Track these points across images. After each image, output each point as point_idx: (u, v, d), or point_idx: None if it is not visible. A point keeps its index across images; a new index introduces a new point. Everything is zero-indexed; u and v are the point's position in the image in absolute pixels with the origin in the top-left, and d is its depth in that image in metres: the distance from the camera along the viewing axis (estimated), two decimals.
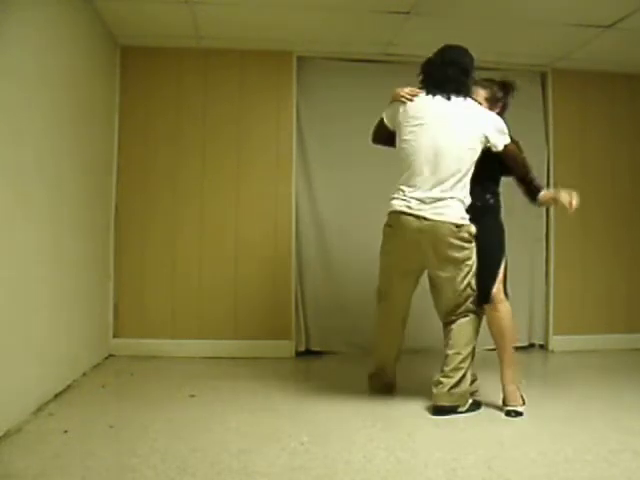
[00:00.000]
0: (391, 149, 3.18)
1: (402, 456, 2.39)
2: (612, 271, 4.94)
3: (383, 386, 3.35)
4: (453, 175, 2.93)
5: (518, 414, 2.95)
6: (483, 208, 3.09)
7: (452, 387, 2.96)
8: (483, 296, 3.09)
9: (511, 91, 3.29)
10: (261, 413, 2.98)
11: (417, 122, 2.99)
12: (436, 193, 2.92)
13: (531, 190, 3.17)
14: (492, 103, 3.21)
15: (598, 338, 4.84)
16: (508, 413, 2.97)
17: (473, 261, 3.03)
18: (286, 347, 4.51)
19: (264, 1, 3.79)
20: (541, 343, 4.93)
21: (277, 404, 3.17)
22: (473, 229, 2.98)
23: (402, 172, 3.03)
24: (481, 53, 4.56)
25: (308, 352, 4.59)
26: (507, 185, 4.90)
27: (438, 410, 2.95)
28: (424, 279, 3.23)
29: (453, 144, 2.94)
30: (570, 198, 3.07)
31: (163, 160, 4.52)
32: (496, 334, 3.13)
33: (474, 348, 3.10)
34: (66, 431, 2.60)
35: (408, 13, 3.90)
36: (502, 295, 3.12)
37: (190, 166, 4.53)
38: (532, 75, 4.95)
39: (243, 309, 4.51)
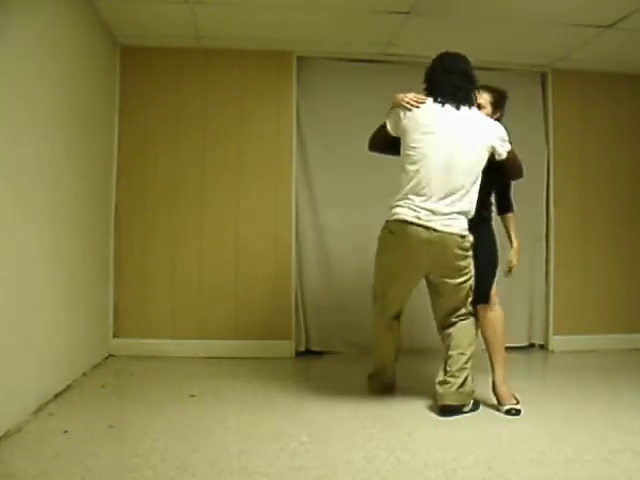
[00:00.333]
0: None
1: (402, 456, 2.39)
2: (612, 271, 4.94)
3: (383, 386, 3.35)
4: (463, 187, 2.92)
5: (518, 412, 2.96)
6: (479, 219, 3.11)
7: (459, 387, 2.96)
8: (482, 297, 3.14)
9: (506, 100, 3.34)
10: (261, 413, 2.98)
11: (427, 130, 2.93)
12: (446, 205, 2.89)
13: (504, 205, 3.39)
14: (495, 108, 3.26)
15: (598, 338, 4.84)
16: (508, 412, 2.98)
17: (472, 268, 3.06)
18: (286, 347, 4.51)
19: (264, 1, 3.79)
20: (541, 343, 4.93)
21: (277, 404, 3.17)
22: (472, 239, 3.01)
23: (408, 180, 2.95)
24: (481, 53, 4.60)
25: (308, 352, 4.59)
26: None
27: (445, 409, 2.94)
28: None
29: (464, 156, 2.92)
30: (515, 261, 3.36)
31: (163, 160, 4.51)
32: (491, 335, 3.16)
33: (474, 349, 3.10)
34: (66, 431, 2.60)
35: (408, 13, 3.90)
36: (496, 297, 3.20)
37: (190, 166, 4.53)
38: (532, 75, 4.96)
39: (243, 309, 4.51)
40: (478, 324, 3.18)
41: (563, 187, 4.91)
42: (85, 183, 3.76)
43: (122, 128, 4.48)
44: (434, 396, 3.05)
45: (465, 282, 3.03)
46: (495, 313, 3.17)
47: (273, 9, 3.90)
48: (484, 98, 3.20)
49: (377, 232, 3.19)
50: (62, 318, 3.33)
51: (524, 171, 3.23)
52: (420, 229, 2.89)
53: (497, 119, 3.21)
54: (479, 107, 3.15)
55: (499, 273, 3.29)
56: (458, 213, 2.92)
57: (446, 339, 3.11)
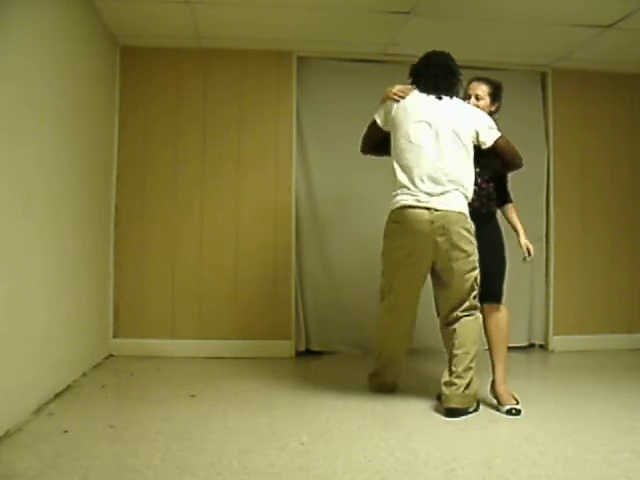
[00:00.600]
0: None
1: (402, 456, 2.39)
2: (612, 271, 4.94)
3: (384, 386, 3.35)
4: (455, 169, 3.00)
5: (518, 412, 2.96)
6: (488, 214, 3.23)
7: (465, 388, 2.95)
8: (492, 295, 3.15)
9: (502, 91, 3.37)
10: (261, 413, 2.98)
11: (416, 118, 3.04)
12: (442, 187, 2.97)
13: (502, 197, 3.38)
14: (493, 99, 3.29)
15: (598, 338, 4.84)
16: (509, 412, 2.97)
17: (477, 258, 3.05)
18: (286, 347, 4.51)
19: (264, 1, 3.79)
20: (541, 343, 4.93)
21: (277, 404, 3.17)
22: (472, 224, 3.03)
23: (402, 168, 3.04)
24: (481, 53, 4.61)
25: (308, 352, 4.59)
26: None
27: (451, 412, 2.93)
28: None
29: (452, 139, 3.02)
30: (529, 245, 3.35)
31: (163, 160, 4.51)
32: (495, 334, 3.16)
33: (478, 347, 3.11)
34: (66, 431, 2.60)
35: (408, 13, 3.90)
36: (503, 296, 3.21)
37: (190, 166, 4.53)
38: (532, 75, 4.96)
39: (243, 309, 4.51)
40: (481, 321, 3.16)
41: (563, 187, 4.91)
42: (85, 183, 3.76)
43: (122, 128, 4.48)
44: (439, 397, 3.04)
45: (470, 272, 3.02)
46: (502, 312, 3.18)
47: (273, 9, 3.90)
48: (482, 90, 3.26)
49: (378, 231, 3.20)
50: (62, 318, 3.32)
51: (522, 161, 3.24)
52: (421, 210, 2.97)
53: (495, 110, 3.28)
54: (477, 98, 3.23)
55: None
56: (456, 191, 2.99)
57: (450, 337, 3.08)
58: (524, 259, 3.37)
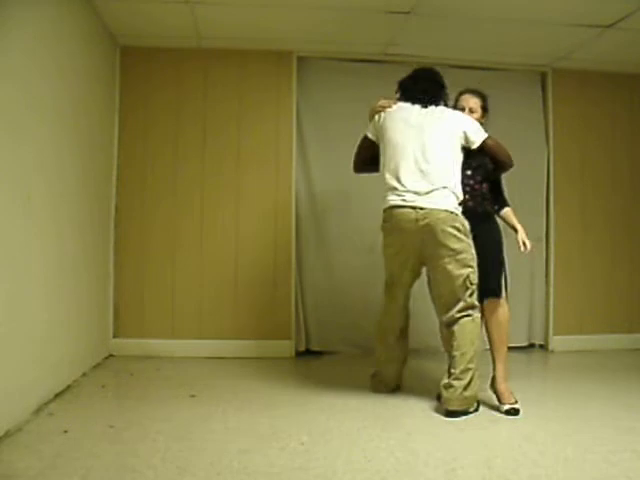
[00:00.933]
0: None
1: (402, 456, 2.39)
2: (612, 271, 4.94)
3: (384, 386, 3.36)
4: (441, 170, 3.08)
5: (517, 412, 2.97)
6: (483, 214, 3.27)
7: (464, 389, 2.95)
8: (491, 290, 3.17)
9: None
10: (261, 413, 2.98)
11: (401, 123, 3.17)
12: (428, 186, 3.05)
13: (500, 201, 3.42)
14: (484, 111, 3.39)
15: (598, 338, 4.84)
16: (508, 412, 2.98)
17: (472, 256, 3.06)
18: (286, 347, 4.51)
19: (264, 1, 3.79)
20: (541, 343, 4.93)
21: (277, 404, 3.17)
22: (467, 223, 3.06)
23: (389, 170, 3.14)
24: (481, 53, 4.62)
25: (308, 352, 4.59)
26: (507, 186, 4.91)
27: (450, 414, 2.94)
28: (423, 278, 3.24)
29: (438, 142, 3.11)
30: (525, 240, 3.34)
31: (163, 160, 4.51)
32: (496, 331, 3.17)
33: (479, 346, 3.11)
34: (66, 431, 2.60)
35: (408, 13, 3.90)
36: (504, 293, 3.20)
37: (190, 166, 4.53)
38: (532, 75, 4.96)
39: (243, 309, 4.51)
40: (482, 320, 3.16)
41: (563, 187, 4.91)
42: (85, 182, 3.76)
43: (122, 127, 4.48)
44: (440, 397, 3.05)
45: (461, 269, 3.02)
46: (502, 308, 3.19)
47: (273, 9, 3.90)
48: (475, 102, 3.34)
49: (378, 231, 3.24)
50: (62, 318, 3.33)
51: (512, 160, 3.30)
52: (407, 210, 3.06)
53: (485, 121, 3.37)
54: (471, 111, 3.31)
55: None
56: (443, 189, 3.04)
57: (449, 339, 3.09)
58: (523, 249, 3.35)
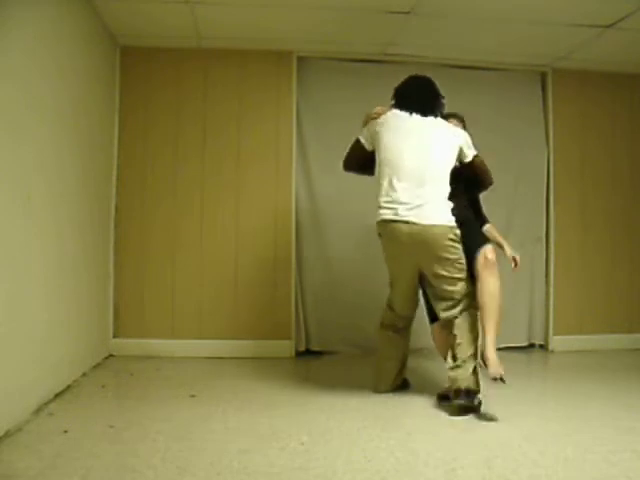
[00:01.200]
0: None
1: (402, 456, 2.39)
2: (612, 271, 4.94)
3: (384, 385, 3.35)
4: (435, 182, 3.06)
5: (503, 380, 2.91)
6: (462, 218, 3.22)
7: (473, 371, 2.98)
8: (475, 250, 3.17)
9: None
10: (261, 413, 2.98)
11: (398, 132, 3.13)
12: (421, 198, 3.03)
13: (480, 220, 3.49)
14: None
15: (598, 338, 4.84)
16: (495, 379, 2.91)
17: (464, 263, 3.11)
18: (286, 347, 4.51)
19: (264, 1, 3.79)
20: (541, 343, 4.93)
21: (277, 404, 3.17)
22: (458, 231, 3.09)
23: (384, 180, 3.11)
24: (481, 53, 4.62)
25: (308, 352, 4.59)
26: (508, 186, 4.92)
27: (461, 394, 2.91)
28: None
29: (434, 154, 3.09)
30: (514, 254, 3.44)
31: (163, 160, 4.52)
32: (487, 300, 3.08)
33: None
34: (66, 431, 2.60)
35: (408, 13, 3.90)
36: (496, 265, 3.19)
37: (190, 167, 4.53)
38: (532, 75, 4.96)
39: (243, 309, 4.51)
40: (478, 314, 3.16)
41: (563, 187, 4.91)
42: (85, 182, 3.76)
43: (122, 128, 4.48)
44: (440, 397, 3.07)
45: (455, 273, 3.07)
46: (495, 279, 3.12)
47: (273, 9, 3.90)
48: (455, 124, 3.39)
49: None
50: (62, 318, 3.32)
51: (492, 179, 3.34)
52: (400, 225, 3.04)
53: None
54: None
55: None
56: (437, 202, 3.04)
57: (451, 329, 3.12)
58: (513, 268, 3.46)
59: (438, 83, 3.29)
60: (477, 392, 2.96)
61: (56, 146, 3.21)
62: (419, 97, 3.21)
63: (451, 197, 3.13)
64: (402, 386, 3.39)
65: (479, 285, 3.14)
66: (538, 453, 2.43)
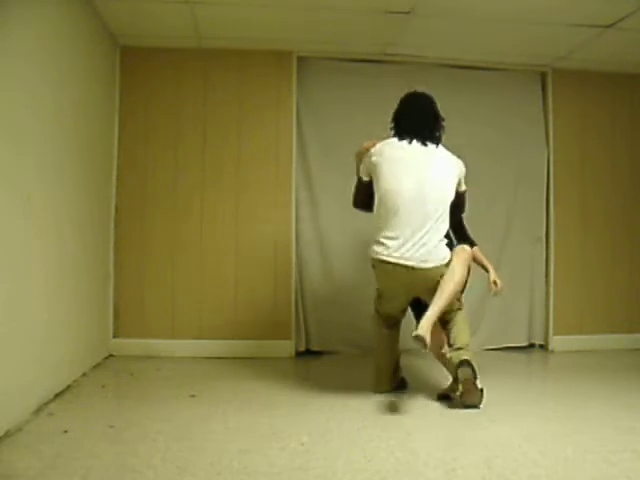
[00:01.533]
0: None
1: (402, 456, 2.39)
2: (612, 271, 4.94)
3: (384, 384, 3.35)
4: (437, 216, 3.02)
5: (425, 346, 2.81)
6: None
7: (472, 356, 3.00)
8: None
9: None
10: (261, 413, 2.98)
11: (396, 163, 3.04)
12: (421, 237, 2.98)
13: (465, 239, 3.43)
14: None
15: (598, 338, 4.84)
16: (417, 338, 2.80)
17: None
18: (286, 347, 4.51)
19: (264, 1, 3.79)
20: (541, 343, 4.93)
21: (277, 404, 3.17)
22: (449, 254, 3.07)
23: (382, 213, 3.06)
24: (481, 53, 4.62)
25: (308, 352, 4.59)
26: (508, 186, 4.93)
27: (467, 363, 2.93)
28: None
29: (434, 185, 3.02)
30: (497, 279, 3.37)
31: (163, 160, 4.52)
32: (450, 280, 3.00)
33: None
34: (66, 431, 2.60)
35: (408, 13, 3.90)
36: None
37: (190, 167, 4.53)
38: (532, 75, 4.96)
39: (243, 309, 4.51)
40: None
41: (563, 187, 4.91)
42: (85, 183, 3.76)
43: (122, 128, 4.48)
44: (440, 397, 3.10)
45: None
46: (462, 268, 3.05)
47: (273, 9, 3.90)
48: None
49: None
50: (62, 318, 3.33)
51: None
52: (398, 268, 2.99)
53: None
54: None
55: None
56: (436, 241, 3.00)
57: (448, 324, 3.14)
58: (495, 292, 3.42)
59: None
60: (476, 372, 2.97)
61: (56, 146, 3.21)
62: (418, 121, 3.12)
63: None
64: (400, 386, 3.39)
65: (448, 269, 3.10)
66: (538, 453, 2.42)
